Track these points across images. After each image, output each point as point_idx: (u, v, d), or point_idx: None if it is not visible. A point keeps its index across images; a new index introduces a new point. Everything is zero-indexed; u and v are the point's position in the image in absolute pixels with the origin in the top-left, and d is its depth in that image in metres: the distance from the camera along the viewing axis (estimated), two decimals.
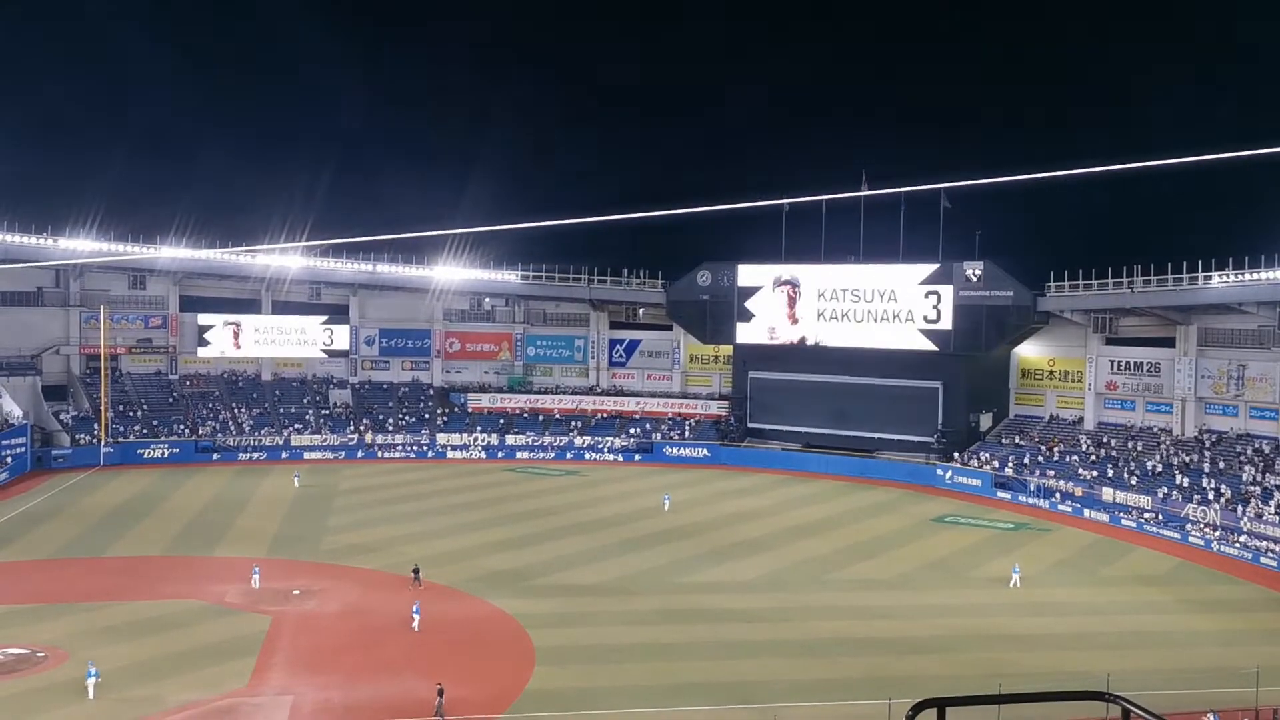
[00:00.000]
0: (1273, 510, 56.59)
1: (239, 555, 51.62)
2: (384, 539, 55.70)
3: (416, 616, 41.29)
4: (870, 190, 57.61)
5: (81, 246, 78.52)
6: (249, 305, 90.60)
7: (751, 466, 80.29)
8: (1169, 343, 72.95)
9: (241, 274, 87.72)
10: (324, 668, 37.06)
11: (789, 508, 66.63)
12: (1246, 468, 62.98)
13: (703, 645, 40.13)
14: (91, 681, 33.78)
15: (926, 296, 77.34)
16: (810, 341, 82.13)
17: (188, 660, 37.12)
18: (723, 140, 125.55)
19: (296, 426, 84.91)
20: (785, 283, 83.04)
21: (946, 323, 76.45)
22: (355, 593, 46.16)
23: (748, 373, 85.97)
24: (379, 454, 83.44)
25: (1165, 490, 63.36)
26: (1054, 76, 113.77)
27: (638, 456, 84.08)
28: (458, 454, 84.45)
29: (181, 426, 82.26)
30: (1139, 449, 70.65)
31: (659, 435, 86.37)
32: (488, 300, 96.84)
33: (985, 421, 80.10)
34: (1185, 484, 63.37)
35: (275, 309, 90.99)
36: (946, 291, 76.48)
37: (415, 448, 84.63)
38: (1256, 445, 65.65)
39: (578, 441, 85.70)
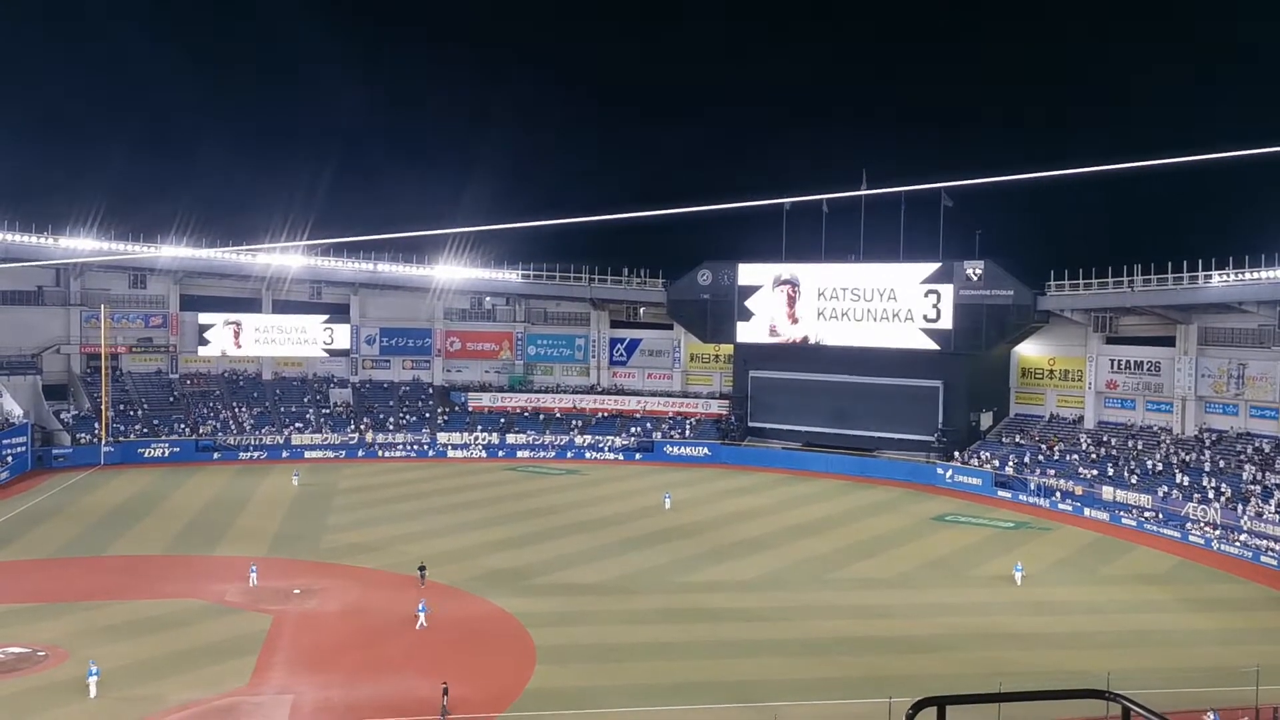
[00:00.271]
0: (1273, 509, 56.61)
1: (239, 554, 51.64)
2: (384, 538, 55.75)
3: (421, 615, 41.32)
4: (870, 189, 57.48)
5: (82, 245, 78.53)
6: (249, 304, 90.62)
7: (752, 465, 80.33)
8: (1169, 342, 72.98)
9: (242, 273, 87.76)
10: (325, 667, 37.10)
11: (789, 507, 66.68)
12: (1247, 467, 63.01)
13: (703, 644, 40.16)
14: (92, 680, 33.84)
15: (927, 296, 77.38)
16: (811, 340, 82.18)
17: (188, 659, 37.16)
18: (723, 140, 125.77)
19: (297, 425, 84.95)
20: (785, 282, 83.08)
21: (947, 322, 76.49)
22: (356, 592, 46.20)
23: (748, 372, 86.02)
24: (379, 453, 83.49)
25: (1165, 489, 63.40)
26: (1054, 76, 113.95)
27: (638, 455, 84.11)
28: (458, 453, 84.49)
29: (182, 426, 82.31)
30: (1139, 448, 70.68)
31: (659, 434, 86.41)
32: (488, 299, 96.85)
33: (986, 420, 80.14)
34: (1185, 483, 63.40)
35: (276, 308, 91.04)
36: (947, 291, 76.53)
37: (416, 447, 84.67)
38: (1257, 444, 65.69)
39: (578, 440, 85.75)
